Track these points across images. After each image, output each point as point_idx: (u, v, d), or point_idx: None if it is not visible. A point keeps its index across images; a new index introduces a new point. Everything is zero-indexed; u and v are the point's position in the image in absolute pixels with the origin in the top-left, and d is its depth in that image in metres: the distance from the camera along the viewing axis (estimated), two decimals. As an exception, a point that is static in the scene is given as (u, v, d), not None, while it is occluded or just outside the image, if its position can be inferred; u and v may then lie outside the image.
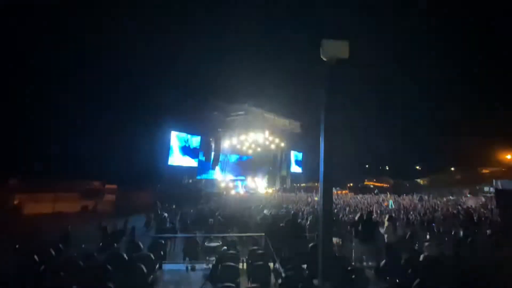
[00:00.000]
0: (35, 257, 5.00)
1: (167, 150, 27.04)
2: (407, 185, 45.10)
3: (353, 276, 4.32)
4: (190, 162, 29.14)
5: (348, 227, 8.62)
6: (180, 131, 28.19)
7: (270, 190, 34.02)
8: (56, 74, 23.71)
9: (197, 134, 29.61)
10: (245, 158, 36.52)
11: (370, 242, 6.50)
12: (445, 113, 47.98)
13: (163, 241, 7.19)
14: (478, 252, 6.63)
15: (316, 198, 20.51)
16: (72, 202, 19.94)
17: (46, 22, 22.30)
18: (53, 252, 5.58)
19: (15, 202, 17.05)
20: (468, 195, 21.80)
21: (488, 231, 8.37)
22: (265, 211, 12.82)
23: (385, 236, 6.76)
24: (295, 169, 42.58)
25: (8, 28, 20.50)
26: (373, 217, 8.14)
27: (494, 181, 23.41)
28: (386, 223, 7.01)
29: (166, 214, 12.83)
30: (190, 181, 28.96)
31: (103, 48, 25.41)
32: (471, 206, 17.05)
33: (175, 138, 27.92)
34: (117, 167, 21.51)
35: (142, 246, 6.66)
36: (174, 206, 17.67)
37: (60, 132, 23.17)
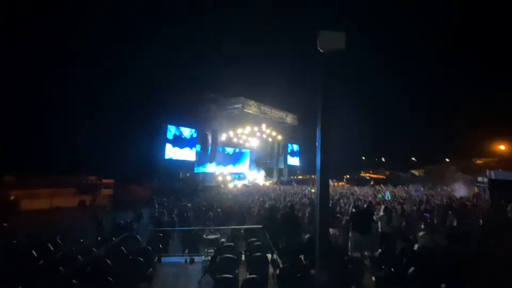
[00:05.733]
0: (33, 252, 5.00)
1: (163, 144, 26.88)
2: (404, 176, 45.68)
3: (349, 266, 4.40)
4: (187, 156, 29.03)
5: (345, 218, 8.74)
6: (176, 124, 27.97)
7: (267, 183, 34.21)
8: (51, 70, 23.37)
9: (194, 128, 29.43)
10: (242, 151, 36.52)
11: (366, 233, 6.61)
12: (439, 106, 48.52)
13: (161, 235, 7.23)
14: (470, 241, 6.78)
15: (313, 190, 20.68)
16: (70, 197, 19.88)
17: (41, 21, 22.05)
18: (52, 247, 5.59)
19: (12, 198, 16.93)
20: (462, 186, 22.10)
21: (480, 220, 8.53)
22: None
23: (379, 225, 6.87)
24: (292, 161, 42.74)
25: (8, 27, 20.31)
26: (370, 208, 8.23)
27: (487, 171, 23.72)
28: (381, 213, 7.11)
29: (163, 208, 12.88)
30: (188, 175, 28.94)
31: (97, 44, 25.05)
32: (465, 196, 17.33)
33: (172, 132, 27.72)
34: (114, 162, 21.44)
35: (140, 240, 6.71)
36: (170, 200, 17.69)
37: (57, 128, 22.97)
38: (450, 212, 10.41)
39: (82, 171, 22.88)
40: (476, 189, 21.74)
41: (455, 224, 7.94)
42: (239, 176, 34.55)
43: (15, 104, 21.49)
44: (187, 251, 7.71)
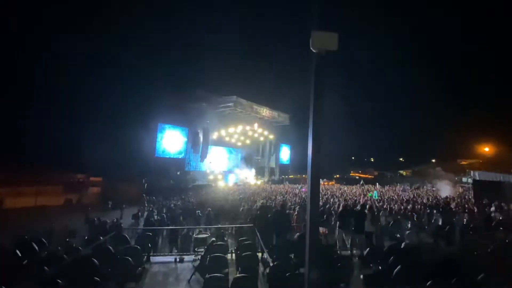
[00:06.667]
0: (17, 251, 4.86)
1: (154, 142, 26.52)
2: (392, 176, 46.68)
3: (338, 264, 4.46)
4: (178, 154, 28.75)
5: (334, 217, 8.85)
6: (167, 123, 27.64)
7: (259, 182, 34.24)
8: (39, 68, 22.69)
9: (185, 126, 29.14)
10: (234, 150, 36.40)
11: (357, 232, 6.71)
12: (427, 108, 49.90)
13: (150, 234, 7.14)
14: (455, 239, 6.99)
15: (303, 189, 20.83)
16: (55, 195, 19.35)
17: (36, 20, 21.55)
18: (36, 247, 5.43)
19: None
20: (447, 186, 22.77)
21: (465, 219, 8.81)
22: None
23: (365, 224, 6.98)
24: (284, 160, 42.95)
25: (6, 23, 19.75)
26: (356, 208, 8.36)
27: (472, 172, 24.49)
28: (366, 213, 7.21)
29: (153, 207, 12.71)
30: (178, 173, 28.65)
31: (88, 40, 24.51)
32: (450, 195, 17.83)
33: (163, 130, 27.38)
34: (103, 159, 20.98)
35: (129, 239, 6.60)
36: (160, 198, 17.49)
37: (42, 124, 22.30)
38: (435, 211, 10.70)
39: (69, 168, 22.31)
40: (460, 189, 22.42)
41: (440, 222, 8.16)
42: (228, 172, 34.46)
43: (0, 100, 20.78)
44: (176, 250, 7.64)
